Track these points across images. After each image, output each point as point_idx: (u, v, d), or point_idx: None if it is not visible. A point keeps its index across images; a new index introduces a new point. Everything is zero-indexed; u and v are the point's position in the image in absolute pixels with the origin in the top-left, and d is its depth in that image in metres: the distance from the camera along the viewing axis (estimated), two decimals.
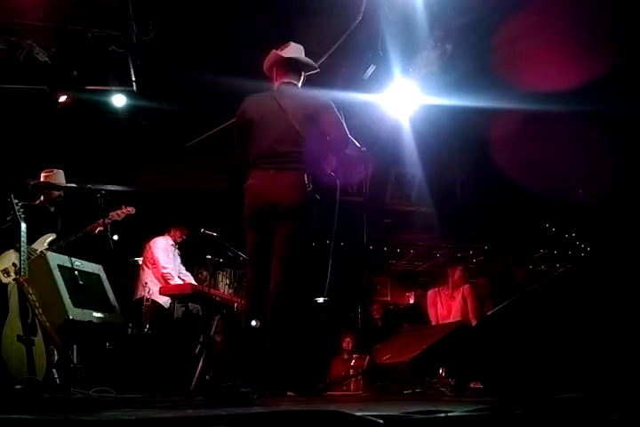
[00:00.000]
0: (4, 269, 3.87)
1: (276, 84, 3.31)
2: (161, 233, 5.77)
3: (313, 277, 3.17)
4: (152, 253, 5.56)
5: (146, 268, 5.56)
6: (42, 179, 4.64)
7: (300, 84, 3.33)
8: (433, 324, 5.52)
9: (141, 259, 5.66)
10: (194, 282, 5.56)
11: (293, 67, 3.30)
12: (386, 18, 4.68)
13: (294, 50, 3.32)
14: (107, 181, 6.70)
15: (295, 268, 2.94)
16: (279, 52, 3.29)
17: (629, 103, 5.19)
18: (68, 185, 4.68)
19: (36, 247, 4.18)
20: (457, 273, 5.56)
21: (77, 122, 6.19)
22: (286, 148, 2.98)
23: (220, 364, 4.83)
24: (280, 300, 2.88)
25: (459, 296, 5.41)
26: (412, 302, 9.92)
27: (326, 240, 3.45)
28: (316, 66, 3.45)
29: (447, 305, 5.48)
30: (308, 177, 2.95)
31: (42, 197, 4.64)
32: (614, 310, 1.99)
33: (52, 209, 4.66)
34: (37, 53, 3.67)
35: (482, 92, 5.34)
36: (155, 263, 5.50)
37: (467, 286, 5.44)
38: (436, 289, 5.70)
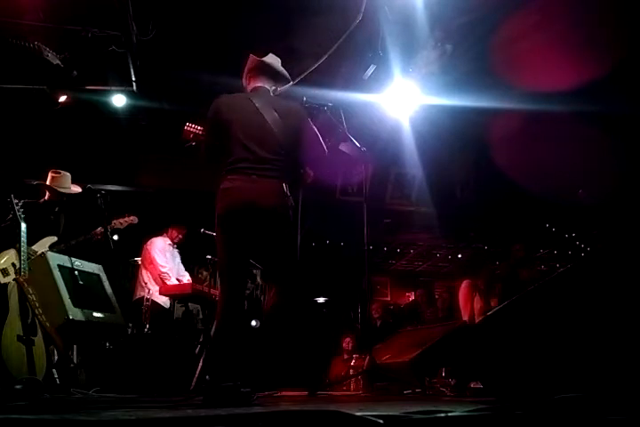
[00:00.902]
0: (3, 269, 3.87)
1: (248, 88, 3.25)
2: (158, 233, 5.79)
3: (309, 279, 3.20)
4: (149, 253, 5.58)
5: (144, 268, 5.58)
6: (49, 179, 4.64)
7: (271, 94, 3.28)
8: (466, 316, 5.45)
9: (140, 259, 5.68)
10: (191, 280, 5.57)
11: (267, 73, 3.24)
12: (386, 18, 4.68)
13: (272, 57, 3.32)
14: (107, 181, 6.70)
15: (294, 271, 2.99)
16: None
17: (629, 103, 5.20)
18: (69, 192, 4.67)
19: (36, 249, 4.17)
20: (487, 272, 5.58)
21: (77, 122, 6.19)
22: (269, 155, 2.95)
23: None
24: (289, 302, 2.96)
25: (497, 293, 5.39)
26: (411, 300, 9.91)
27: (326, 240, 3.45)
28: (290, 79, 3.40)
29: (487, 299, 5.43)
30: (286, 186, 2.97)
31: (46, 196, 4.64)
32: (614, 310, 1.99)
33: (57, 209, 4.66)
34: (48, 56, 3.67)
35: (482, 92, 5.34)
36: (152, 263, 5.52)
37: (499, 285, 5.43)
38: (471, 282, 5.63)
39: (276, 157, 2.95)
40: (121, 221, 4.71)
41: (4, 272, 3.87)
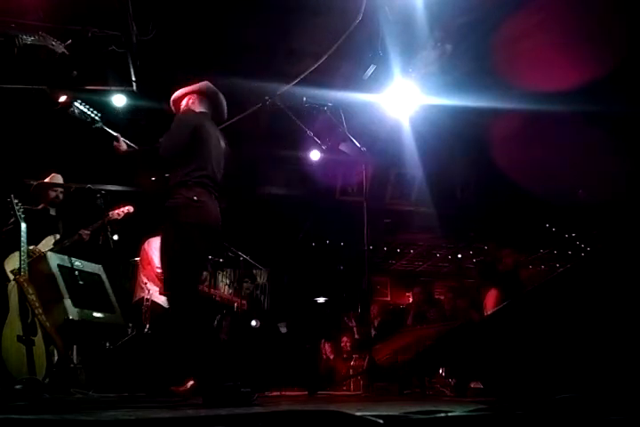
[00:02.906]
0: (13, 270, 3.86)
1: (192, 107, 3.31)
2: (156, 234, 5.78)
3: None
4: (147, 253, 5.57)
5: (142, 269, 5.56)
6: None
7: None
8: None
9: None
10: None
11: (213, 105, 3.36)
12: (386, 18, 4.67)
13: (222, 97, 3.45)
14: (107, 181, 6.69)
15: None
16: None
17: (629, 103, 5.19)
18: (61, 182, 4.70)
19: (41, 248, 4.17)
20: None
21: (77, 122, 6.18)
22: (220, 178, 3.19)
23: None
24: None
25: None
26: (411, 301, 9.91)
27: (326, 240, 3.51)
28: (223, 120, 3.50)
29: None
30: None
31: (43, 202, 4.63)
32: (614, 310, 1.99)
33: (54, 213, 4.66)
34: (53, 45, 3.65)
35: (482, 92, 5.34)
36: (150, 264, 5.50)
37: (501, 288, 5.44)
38: (499, 291, 5.60)
39: (219, 184, 3.18)
40: (118, 212, 4.69)
41: (14, 272, 3.87)
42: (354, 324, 7.48)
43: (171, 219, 2.98)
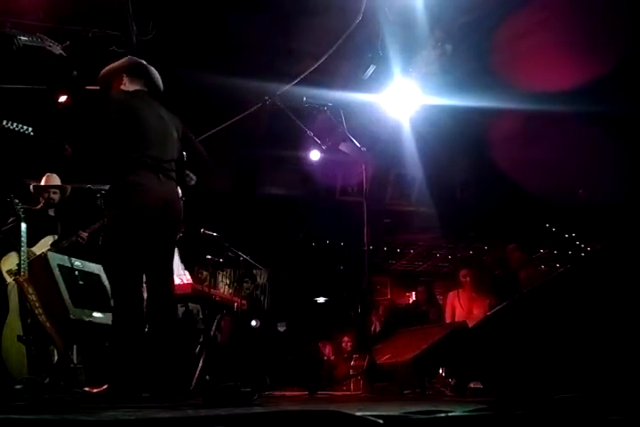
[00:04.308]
0: (9, 270, 3.86)
1: (123, 86, 3.20)
2: None
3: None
4: None
5: None
6: (42, 183, 4.66)
7: None
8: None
9: None
10: (191, 280, 5.56)
11: (147, 80, 3.25)
12: (386, 18, 4.68)
13: (153, 69, 3.34)
14: (107, 181, 6.68)
15: (170, 275, 3.08)
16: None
17: (630, 103, 5.19)
18: (58, 183, 4.69)
19: (35, 250, 4.16)
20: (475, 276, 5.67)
21: (77, 122, 6.18)
22: (169, 157, 3.03)
23: (221, 364, 4.82)
24: (172, 304, 3.08)
25: (481, 298, 5.48)
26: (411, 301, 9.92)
27: (326, 240, 3.47)
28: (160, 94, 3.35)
29: (470, 307, 5.54)
30: (180, 189, 3.11)
31: (42, 203, 4.62)
32: (614, 311, 1.99)
33: (52, 213, 4.65)
34: (50, 46, 3.65)
35: (482, 91, 5.34)
36: None
37: (492, 288, 5.54)
38: (456, 291, 5.75)
39: (173, 160, 3.05)
40: None
41: (11, 273, 3.87)
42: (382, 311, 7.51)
43: (110, 205, 2.92)
